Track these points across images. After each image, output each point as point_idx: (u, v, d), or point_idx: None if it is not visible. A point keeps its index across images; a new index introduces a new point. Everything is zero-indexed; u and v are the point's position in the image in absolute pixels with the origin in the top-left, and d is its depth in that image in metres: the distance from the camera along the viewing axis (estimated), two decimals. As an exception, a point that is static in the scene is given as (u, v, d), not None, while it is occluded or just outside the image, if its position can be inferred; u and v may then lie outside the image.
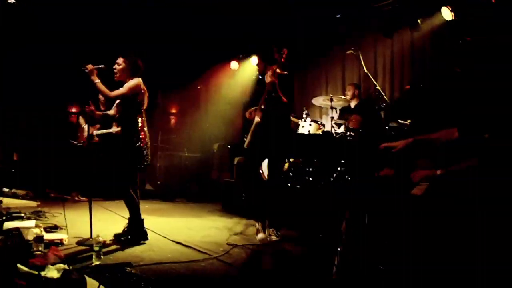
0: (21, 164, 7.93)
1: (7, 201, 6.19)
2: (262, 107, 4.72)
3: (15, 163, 7.90)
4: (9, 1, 4.21)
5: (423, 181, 2.50)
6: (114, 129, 6.24)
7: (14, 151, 8.01)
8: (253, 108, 5.03)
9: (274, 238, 4.63)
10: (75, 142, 7.35)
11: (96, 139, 6.98)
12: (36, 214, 5.56)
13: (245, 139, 5.25)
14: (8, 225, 4.35)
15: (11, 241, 3.62)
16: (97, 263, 3.44)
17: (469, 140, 2.41)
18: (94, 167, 6.45)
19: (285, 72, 4.70)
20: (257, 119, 4.78)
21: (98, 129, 7.10)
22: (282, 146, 4.75)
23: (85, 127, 7.14)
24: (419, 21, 6.20)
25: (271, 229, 4.70)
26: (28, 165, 7.87)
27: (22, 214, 5.30)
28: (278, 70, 4.65)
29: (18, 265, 2.70)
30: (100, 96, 6.53)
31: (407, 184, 2.59)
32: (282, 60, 4.65)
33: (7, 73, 7.93)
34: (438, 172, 2.43)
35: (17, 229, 3.99)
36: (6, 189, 6.86)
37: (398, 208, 2.42)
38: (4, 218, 4.82)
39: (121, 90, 4.35)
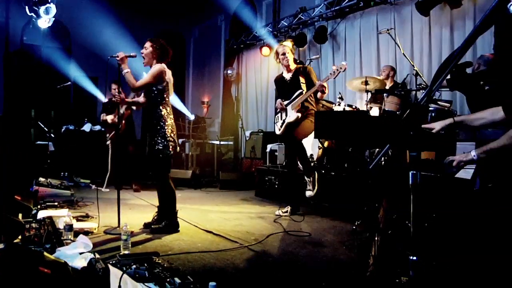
0: (56, 154, 8.06)
1: (43, 190, 6.27)
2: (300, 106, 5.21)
3: (51, 153, 8.03)
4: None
5: (462, 164, 2.28)
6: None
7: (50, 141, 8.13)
8: (280, 101, 5.42)
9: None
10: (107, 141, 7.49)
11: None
12: (69, 203, 5.60)
13: (276, 124, 5.52)
14: (42, 213, 4.38)
15: (43, 229, 3.62)
16: (125, 252, 3.38)
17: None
18: (125, 157, 6.60)
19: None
20: (295, 114, 5.16)
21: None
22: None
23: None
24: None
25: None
26: (63, 155, 8.02)
27: (56, 203, 5.37)
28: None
29: (45, 253, 2.65)
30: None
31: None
32: None
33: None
34: (473, 153, 2.21)
35: (50, 217, 3.99)
36: (42, 179, 6.96)
37: (447, 194, 2.22)
38: (39, 207, 4.88)
39: (145, 79, 4.27)
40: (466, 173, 2.47)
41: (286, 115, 5.30)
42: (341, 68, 4.93)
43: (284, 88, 5.43)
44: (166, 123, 4.26)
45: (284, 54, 5.29)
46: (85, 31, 11.63)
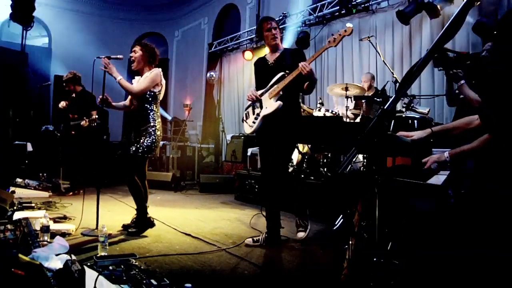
0: (34, 154, 7.96)
1: (20, 191, 6.21)
2: (281, 93, 3.94)
3: (28, 154, 7.93)
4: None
5: (435, 166, 2.35)
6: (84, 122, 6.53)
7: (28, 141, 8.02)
8: (252, 90, 4.19)
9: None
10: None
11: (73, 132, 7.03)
12: (47, 205, 5.55)
13: (246, 121, 4.30)
14: (18, 215, 4.32)
15: (19, 231, 3.58)
16: (102, 254, 3.37)
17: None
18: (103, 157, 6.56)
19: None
20: (274, 104, 3.93)
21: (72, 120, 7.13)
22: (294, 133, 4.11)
23: None
24: (438, 6, 5.94)
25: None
26: (41, 155, 7.92)
27: (33, 204, 5.31)
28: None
29: (19, 255, 2.63)
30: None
31: (422, 171, 2.45)
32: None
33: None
34: (446, 154, 2.28)
35: (26, 219, 3.95)
36: (19, 180, 6.88)
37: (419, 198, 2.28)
38: (15, 208, 4.81)
39: (145, 84, 4.25)
40: (438, 180, 2.53)
41: (261, 107, 4.06)
42: (345, 31, 3.74)
43: (265, 74, 4.12)
44: (156, 127, 4.29)
45: (270, 30, 4.02)
46: (66, 31, 11.55)
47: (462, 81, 3.63)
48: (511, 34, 1.91)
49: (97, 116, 6.59)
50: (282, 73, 3.92)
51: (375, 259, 1.98)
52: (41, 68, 11.15)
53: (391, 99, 1.23)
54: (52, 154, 7.76)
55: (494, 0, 5.51)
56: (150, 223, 4.34)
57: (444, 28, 1.23)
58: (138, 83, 4.29)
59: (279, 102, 3.89)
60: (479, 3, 5.44)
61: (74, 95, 7.01)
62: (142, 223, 4.31)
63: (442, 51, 2.24)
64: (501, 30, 1.94)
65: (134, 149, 4.23)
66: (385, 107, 1.24)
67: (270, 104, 3.96)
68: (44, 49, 11.73)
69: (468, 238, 2.11)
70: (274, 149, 3.99)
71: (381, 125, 1.28)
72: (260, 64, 4.24)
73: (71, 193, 6.81)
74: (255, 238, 4.02)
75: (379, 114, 1.28)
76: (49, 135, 8.68)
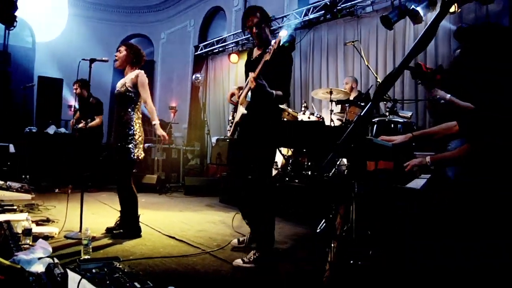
0: (17, 156, 7.87)
1: (1, 194, 6.11)
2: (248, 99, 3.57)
3: (11, 155, 7.83)
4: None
5: (416, 170, 2.41)
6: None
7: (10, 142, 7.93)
8: (232, 90, 3.90)
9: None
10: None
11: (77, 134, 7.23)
12: (30, 207, 5.50)
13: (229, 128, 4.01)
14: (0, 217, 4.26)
15: (0, 234, 3.54)
16: (86, 257, 3.36)
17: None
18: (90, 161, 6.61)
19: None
20: (240, 112, 3.64)
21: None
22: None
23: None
24: (420, 12, 6.02)
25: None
26: (24, 157, 7.84)
27: (15, 207, 5.23)
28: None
29: (0, 259, 2.60)
30: None
31: (404, 176, 2.51)
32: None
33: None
34: (428, 159, 2.34)
35: (8, 221, 3.90)
36: (0, 182, 6.78)
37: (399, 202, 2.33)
38: (-4, 211, 4.75)
39: (147, 93, 4.32)
40: (417, 184, 2.59)
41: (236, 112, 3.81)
42: (275, 43, 3.27)
43: (246, 70, 3.83)
44: (136, 128, 4.28)
45: (251, 28, 3.60)
46: (51, 32, 11.44)
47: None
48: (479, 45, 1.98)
49: (88, 120, 6.77)
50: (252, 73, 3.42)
51: (354, 262, 2.02)
52: (25, 69, 11.02)
53: (367, 106, 1.27)
54: (42, 156, 7.78)
55: (474, 8, 5.63)
56: (138, 232, 4.30)
57: (417, 39, 1.28)
58: (144, 97, 4.32)
59: (243, 111, 3.56)
60: (459, 10, 5.55)
61: (78, 99, 7.44)
62: (132, 229, 4.29)
63: (417, 65, 2.31)
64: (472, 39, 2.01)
65: (120, 156, 4.22)
66: (361, 114, 1.28)
67: (239, 111, 3.68)
68: (28, 50, 11.59)
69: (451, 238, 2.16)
70: (249, 156, 3.65)
71: (358, 131, 1.32)
72: (247, 57, 3.95)
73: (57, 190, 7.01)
74: (240, 239, 4.05)
75: (355, 120, 1.33)
76: (32, 137, 8.60)
